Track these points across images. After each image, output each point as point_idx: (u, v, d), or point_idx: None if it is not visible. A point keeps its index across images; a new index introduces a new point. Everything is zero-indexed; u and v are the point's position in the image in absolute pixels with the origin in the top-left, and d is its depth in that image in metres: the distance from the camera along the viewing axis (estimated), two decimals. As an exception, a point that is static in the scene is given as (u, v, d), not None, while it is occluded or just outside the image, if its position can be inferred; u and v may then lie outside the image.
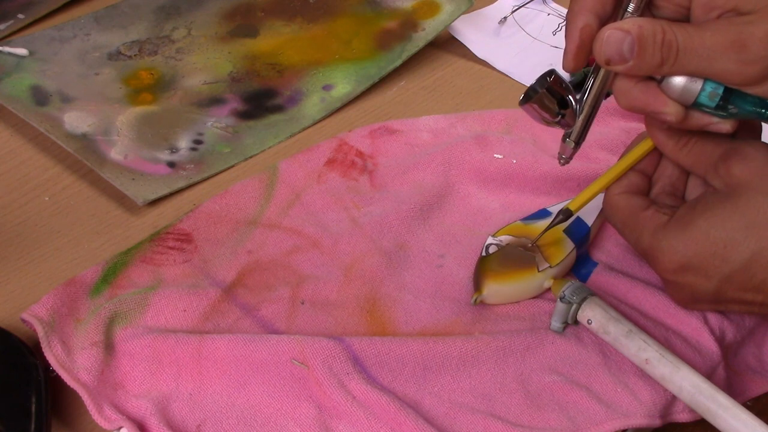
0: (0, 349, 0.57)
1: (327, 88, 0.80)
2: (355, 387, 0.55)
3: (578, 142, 0.58)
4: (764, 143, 0.55)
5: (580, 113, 0.56)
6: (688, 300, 0.56)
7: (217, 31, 0.86)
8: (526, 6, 0.91)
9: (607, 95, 0.56)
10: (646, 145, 0.59)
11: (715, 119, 0.53)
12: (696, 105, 0.52)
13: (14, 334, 0.58)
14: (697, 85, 0.51)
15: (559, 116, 0.56)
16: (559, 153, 0.59)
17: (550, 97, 0.55)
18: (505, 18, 0.89)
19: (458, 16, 0.85)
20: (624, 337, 0.56)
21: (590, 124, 0.57)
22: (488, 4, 0.91)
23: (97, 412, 0.54)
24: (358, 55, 0.83)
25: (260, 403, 0.56)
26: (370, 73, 0.81)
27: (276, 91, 0.80)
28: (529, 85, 0.56)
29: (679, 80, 0.52)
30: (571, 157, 0.59)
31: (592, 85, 0.56)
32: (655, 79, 0.53)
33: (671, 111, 0.52)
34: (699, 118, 0.53)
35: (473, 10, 0.89)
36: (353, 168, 0.71)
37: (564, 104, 0.56)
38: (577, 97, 0.56)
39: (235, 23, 0.87)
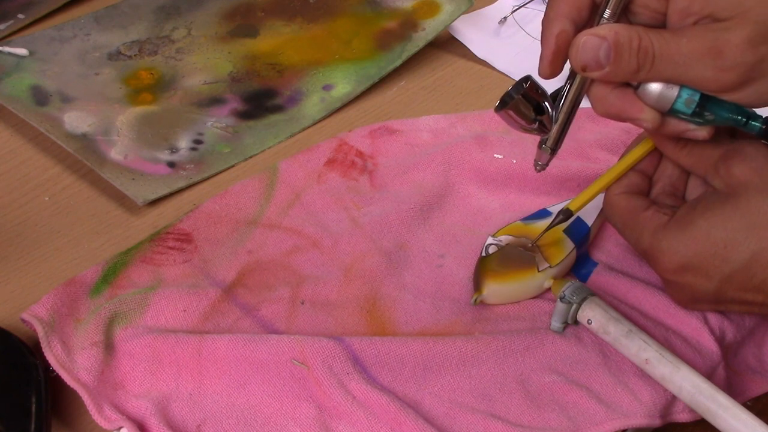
0: (0, 349, 0.57)
1: (327, 88, 0.80)
2: (355, 387, 0.55)
3: (555, 149, 0.57)
4: (764, 143, 0.55)
5: (556, 120, 0.56)
6: (689, 300, 0.56)
7: (217, 31, 0.86)
8: (526, 6, 0.91)
9: None
10: (646, 146, 0.59)
11: (691, 126, 0.53)
12: (672, 112, 0.52)
13: (14, 334, 0.58)
14: (674, 91, 0.51)
15: (536, 122, 0.56)
16: (535, 159, 0.58)
17: (526, 104, 0.55)
18: (505, 18, 0.89)
19: (458, 16, 0.85)
20: (624, 337, 0.56)
21: (567, 131, 0.57)
22: (488, 4, 0.91)
23: (97, 412, 0.54)
24: (358, 55, 0.83)
25: (260, 403, 0.56)
26: (370, 73, 0.81)
27: (276, 91, 0.80)
28: (505, 92, 0.56)
29: (655, 87, 0.51)
30: (547, 164, 0.58)
31: (568, 91, 0.55)
32: (632, 85, 0.52)
33: (647, 117, 0.52)
34: (675, 125, 0.53)
35: (473, 10, 0.89)
36: (353, 168, 0.71)
37: (540, 110, 0.55)
38: (554, 103, 0.56)
39: (235, 23, 0.87)
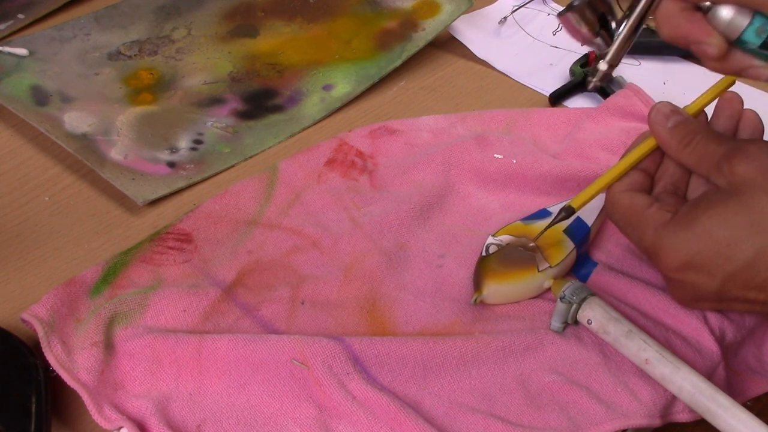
0: (0, 349, 0.57)
1: (327, 88, 0.80)
2: (355, 387, 0.55)
3: (613, 65, 0.56)
4: (767, 142, 0.55)
5: (620, 33, 0.55)
6: (691, 299, 0.56)
7: (217, 31, 0.86)
8: (526, 6, 0.91)
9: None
10: (648, 144, 0.58)
11: (756, 62, 0.51)
12: (740, 42, 0.51)
13: (14, 334, 0.58)
14: (746, 18, 0.50)
15: (598, 35, 0.55)
16: (589, 77, 0.57)
17: (592, 12, 0.54)
18: (505, 18, 0.89)
19: (458, 16, 0.85)
20: (624, 337, 0.56)
21: (628, 48, 0.56)
22: (488, 4, 0.91)
23: (97, 412, 0.54)
24: (358, 55, 0.83)
25: (260, 403, 0.56)
26: (370, 73, 0.81)
27: (276, 91, 0.80)
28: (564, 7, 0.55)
29: (726, 11, 0.50)
30: (603, 81, 0.57)
31: (636, 6, 0.54)
32: (702, 9, 0.51)
33: (714, 42, 0.51)
34: (740, 60, 0.52)
35: (473, 10, 0.89)
36: (353, 168, 0.71)
37: (604, 22, 0.54)
38: (618, 18, 0.55)
39: (235, 23, 0.87)
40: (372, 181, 0.70)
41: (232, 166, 0.73)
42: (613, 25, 0.55)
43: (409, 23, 0.85)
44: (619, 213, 0.57)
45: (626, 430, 0.55)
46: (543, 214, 0.66)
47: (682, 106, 0.58)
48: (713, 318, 0.60)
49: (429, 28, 0.84)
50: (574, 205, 0.59)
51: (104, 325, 0.58)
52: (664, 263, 0.55)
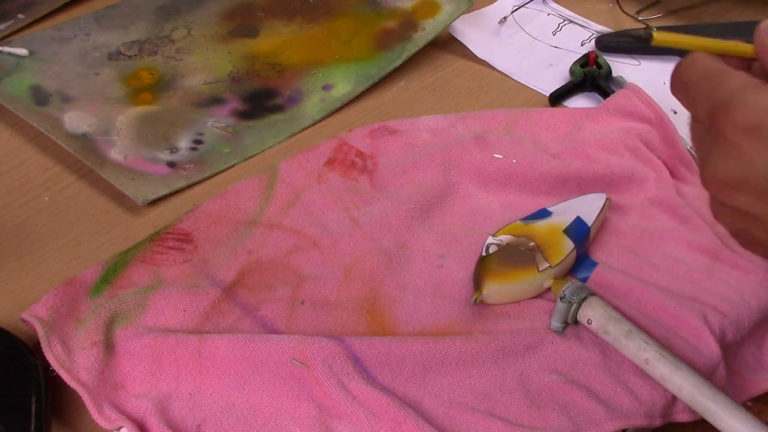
0: (0, 349, 0.57)
1: (327, 88, 0.80)
2: (355, 387, 0.55)
3: None
4: None
5: None
6: (734, 175, 0.50)
7: (217, 31, 0.86)
8: (526, 6, 0.91)
9: None
10: (744, 47, 0.55)
11: None
12: None
13: (14, 334, 0.58)
14: None
15: None
16: None
17: None
18: (505, 18, 0.89)
19: (458, 16, 0.85)
20: (624, 337, 0.56)
21: None
22: (488, 4, 0.91)
23: (97, 412, 0.54)
24: (358, 55, 0.83)
25: (260, 403, 0.56)
26: (370, 73, 0.81)
27: (276, 91, 0.80)
28: None
29: None
30: None
31: None
32: None
33: None
34: None
35: (473, 10, 0.89)
36: (353, 168, 0.71)
37: None
38: None
39: (235, 23, 0.87)
40: (372, 181, 0.70)
41: (232, 166, 0.73)
42: None
43: (409, 23, 0.85)
44: (698, 69, 0.52)
45: (626, 430, 0.55)
46: (543, 214, 0.66)
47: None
48: (713, 318, 0.60)
49: (429, 28, 0.84)
50: (658, 38, 0.52)
51: (104, 325, 0.58)
52: (734, 118, 0.49)
